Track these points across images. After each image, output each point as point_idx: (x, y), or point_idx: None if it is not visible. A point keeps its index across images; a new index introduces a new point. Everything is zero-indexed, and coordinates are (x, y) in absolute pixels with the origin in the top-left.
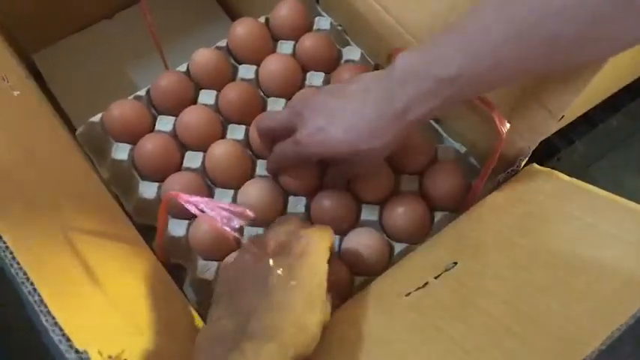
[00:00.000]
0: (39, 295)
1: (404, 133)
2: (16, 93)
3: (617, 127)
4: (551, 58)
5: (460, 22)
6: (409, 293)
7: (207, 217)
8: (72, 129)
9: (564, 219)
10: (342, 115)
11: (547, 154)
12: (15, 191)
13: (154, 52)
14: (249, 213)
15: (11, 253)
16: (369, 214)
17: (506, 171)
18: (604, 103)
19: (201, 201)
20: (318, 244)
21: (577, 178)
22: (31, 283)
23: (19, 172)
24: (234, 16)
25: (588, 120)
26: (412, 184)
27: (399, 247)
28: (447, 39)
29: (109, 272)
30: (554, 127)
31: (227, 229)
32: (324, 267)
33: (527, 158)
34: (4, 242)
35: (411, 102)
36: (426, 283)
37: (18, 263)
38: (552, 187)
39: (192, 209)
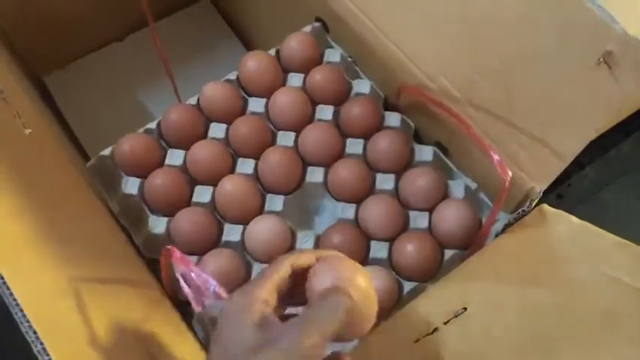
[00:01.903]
0: (48, 355)
1: None
2: (27, 131)
3: (629, 153)
4: None
5: None
6: (418, 340)
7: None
8: (81, 150)
9: (575, 265)
10: None
11: (557, 180)
12: (25, 237)
13: (164, 73)
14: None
15: (22, 310)
16: (378, 251)
17: (516, 211)
18: (615, 128)
19: (194, 271)
20: None
21: (587, 202)
22: (41, 343)
23: (30, 214)
24: (243, 37)
25: (599, 145)
26: (422, 221)
27: (408, 286)
28: None
29: (115, 328)
30: (562, 168)
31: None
32: None
33: (537, 199)
34: (15, 299)
35: None
36: (436, 329)
37: (28, 321)
38: (563, 229)
39: (179, 276)
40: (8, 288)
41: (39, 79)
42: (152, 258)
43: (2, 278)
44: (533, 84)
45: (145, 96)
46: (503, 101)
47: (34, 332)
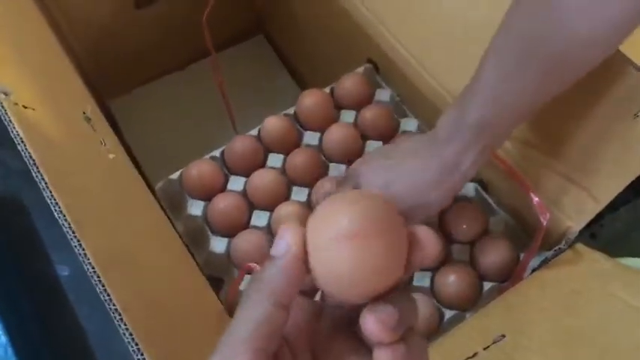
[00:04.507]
0: None
1: (456, 186)
2: (111, 156)
3: None
4: (559, 84)
5: (483, 73)
6: None
7: None
8: (139, 169)
9: (609, 301)
10: (401, 174)
11: (591, 220)
12: (117, 252)
13: (219, 102)
14: None
15: (122, 319)
16: (421, 280)
17: (553, 249)
18: None
19: None
20: None
21: (619, 243)
22: (142, 354)
23: (117, 231)
24: (294, 72)
25: (632, 188)
26: (463, 253)
27: (448, 314)
28: (473, 90)
29: (197, 340)
30: (598, 210)
31: None
32: None
33: (573, 238)
34: (117, 309)
35: (459, 155)
36: (476, 354)
37: (128, 329)
38: (598, 268)
39: None
40: (111, 299)
41: (103, 103)
42: (211, 276)
43: (104, 288)
44: (576, 134)
45: (200, 123)
46: (546, 149)
47: (136, 344)
